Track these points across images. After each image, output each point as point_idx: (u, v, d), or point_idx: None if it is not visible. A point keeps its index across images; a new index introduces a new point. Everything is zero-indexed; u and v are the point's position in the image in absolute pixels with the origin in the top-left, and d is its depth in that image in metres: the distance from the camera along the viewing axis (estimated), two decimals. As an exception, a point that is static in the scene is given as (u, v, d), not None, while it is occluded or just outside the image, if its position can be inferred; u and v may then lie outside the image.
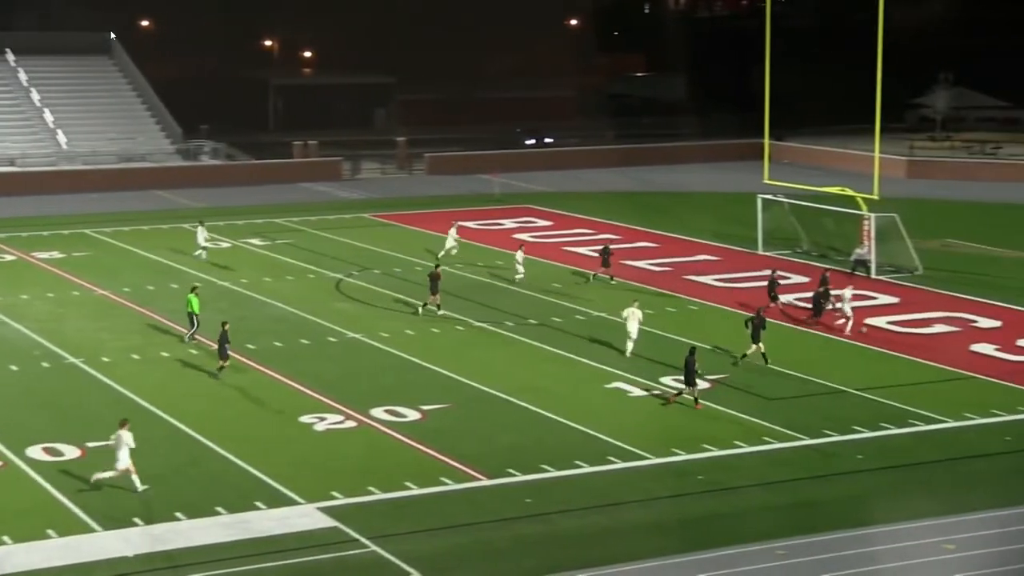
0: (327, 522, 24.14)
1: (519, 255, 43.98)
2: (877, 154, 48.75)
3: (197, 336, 36.09)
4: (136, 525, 23.92)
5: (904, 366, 34.48)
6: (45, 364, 34.65)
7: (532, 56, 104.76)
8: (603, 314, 39.61)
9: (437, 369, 33.98)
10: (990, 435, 29.06)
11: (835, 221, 50.16)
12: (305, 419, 29.96)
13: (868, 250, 45.54)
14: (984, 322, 38.84)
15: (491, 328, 38.15)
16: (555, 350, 35.78)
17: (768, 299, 39.28)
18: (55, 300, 42.06)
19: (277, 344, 36.25)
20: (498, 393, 31.91)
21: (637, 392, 32.05)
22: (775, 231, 50.52)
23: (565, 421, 29.81)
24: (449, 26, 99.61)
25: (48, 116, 72.24)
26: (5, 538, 23.30)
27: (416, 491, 25.61)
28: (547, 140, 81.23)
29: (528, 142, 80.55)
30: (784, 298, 41.69)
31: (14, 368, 34.06)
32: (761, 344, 33.79)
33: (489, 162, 71.05)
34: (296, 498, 25.16)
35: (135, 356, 35.34)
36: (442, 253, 47.13)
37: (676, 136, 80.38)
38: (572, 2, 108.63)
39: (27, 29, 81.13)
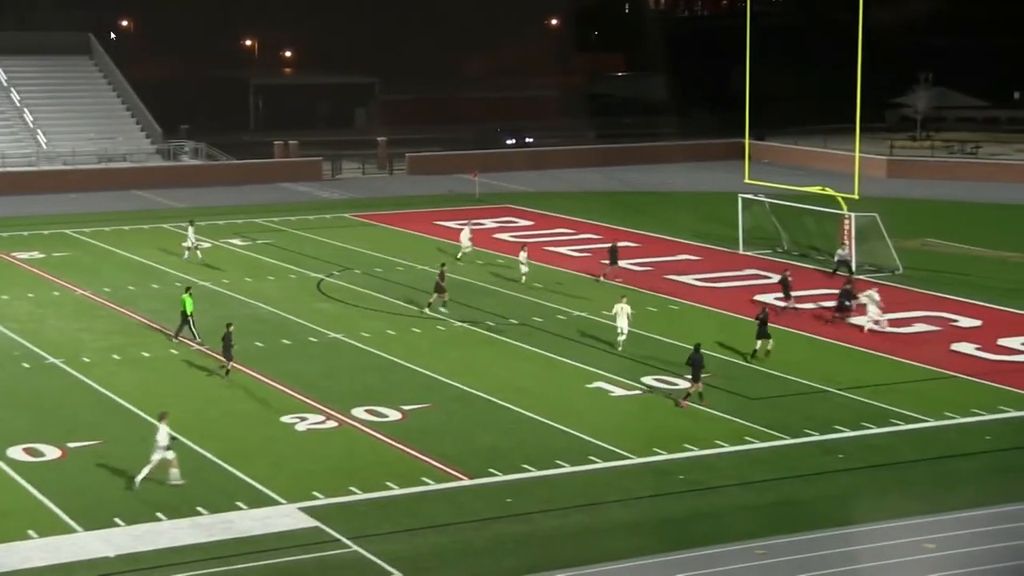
0: (308, 522, 24.09)
1: (523, 255, 43.85)
2: (857, 154, 48.94)
3: (182, 336, 36.06)
4: (117, 526, 23.83)
5: (885, 366, 34.62)
6: (25, 365, 34.48)
7: (512, 56, 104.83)
8: (584, 314, 39.65)
9: (418, 369, 33.95)
10: (971, 434, 29.20)
11: (816, 221, 50.35)
12: (286, 419, 29.90)
13: (850, 250, 45.70)
14: (964, 321, 39.03)
15: (472, 328, 38.15)
16: (536, 350, 35.80)
17: (784, 299, 39.53)
18: (35, 300, 41.86)
19: (258, 344, 36.17)
20: (479, 393, 31.91)
21: (619, 392, 32.09)
22: (756, 230, 50.66)
23: (546, 421, 29.83)
24: (430, 26, 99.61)
25: (28, 116, 71.91)
26: (-16, 540, 23.19)
27: (397, 491, 25.59)
28: (528, 140, 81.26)
29: (509, 142, 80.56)
30: (762, 296, 41.84)
31: (-7, 369, 33.91)
32: (769, 341, 34.17)
33: (470, 162, 71.03)
34: (277, 498, 25.10)
35: (116, 356, 35.21)
36: (460, 255, 47.11)
37: (657, 136, 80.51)
38: (552, 2, 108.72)
39: (7, 29, 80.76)
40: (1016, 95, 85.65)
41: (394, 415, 30.22)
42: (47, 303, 41.53)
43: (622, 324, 35.29)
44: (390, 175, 73.42)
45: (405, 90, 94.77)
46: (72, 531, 23.68)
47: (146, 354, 35.47)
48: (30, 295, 42.57)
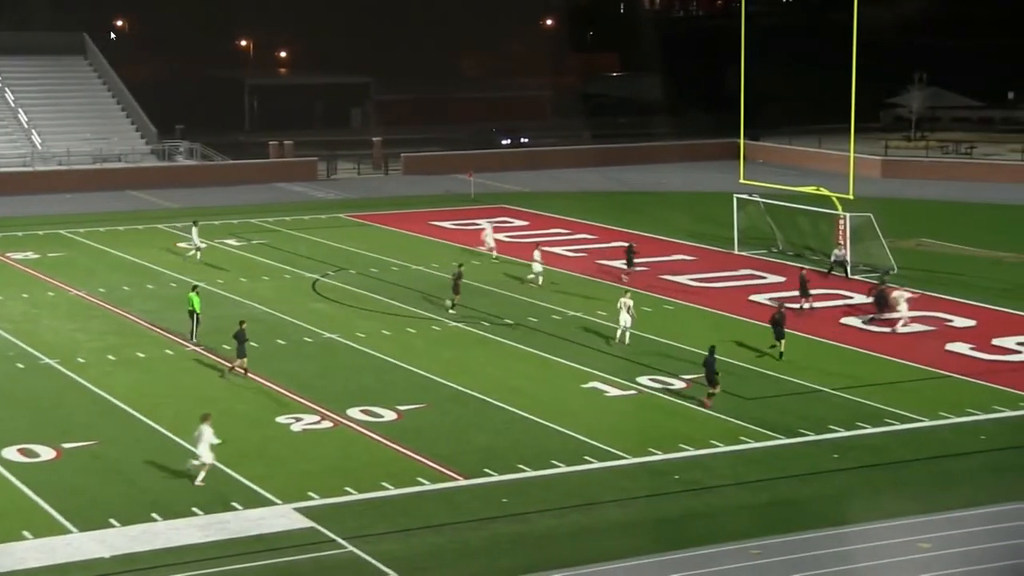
0: (304, 523, 24.09)
1: (536, 255, 43.80)
2: (852, 154, 49.00)
3: (195, 337, 36.05)
4: (112, 526, 23.82)
5: (880, 365, 34.66)
6: (20, 365, 34.45)
7: (508, 56, 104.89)
8: (579, 314, 39.68)
9: (413, 369, 33.96)
10: (965, 434, 29.25)
11: (810, 221, 50.41)
12: (281, 420, 29.90)
13: (845, 251, 45.74)
14: (959, 321, 39.08)
15: (467, 328, 38.16)
16: (531, 350, 35.82)
17: (801, 298, 39.80)
18: (30, 301, 41.81)
19: (253, 345, 36.11)
20: (474, 393, 31.92)
21: (614, 392, 32.11)
22: (751, 231, 50.71)
23: (542, 421, 29.84)
24: (425, 26, 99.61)
25: (22, 116, 71.82)
26: (-21, 540, 23.17)
27: (393, 491, 25.59)
28: (523, 140, 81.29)
29: (504, 142, 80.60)
30: (758, 296, 41.93)
31: (-12, 369, 33.87)
32: (783, 341, 34.41)
33: (465, 162, 71.04)
34: (273, 499, 25.10)
35: (110, 357, 35.19)
36: (494, 254, 47.21)
37: (652, 136, 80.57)
38: (547, 2, 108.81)
39: (1, 29, 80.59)
40: (1010, 95, 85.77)
41: (389, 415, 30.23)
42: (42, 303, 41.49)
43: (624, 319, 35.58)
44: (385, 175, 73.42)
45: (400, 90, 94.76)
46: (67, 532, 23.66)
47: (141, 354, 35.45)
48: (25, 295, 42.52)
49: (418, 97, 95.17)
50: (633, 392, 32.07)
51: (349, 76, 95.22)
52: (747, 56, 49.48)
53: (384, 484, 25.86)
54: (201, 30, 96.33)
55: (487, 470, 26.66)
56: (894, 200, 60.56)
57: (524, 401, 31.20)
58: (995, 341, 36.75)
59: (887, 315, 38.10)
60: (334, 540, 23.35)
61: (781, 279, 45.16)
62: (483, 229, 49.51)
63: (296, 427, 29.47)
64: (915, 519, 24.10)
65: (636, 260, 45.42)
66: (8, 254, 49.29)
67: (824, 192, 49.35)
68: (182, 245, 49.02)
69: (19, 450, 27.75)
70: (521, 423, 29.81)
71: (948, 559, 22.49)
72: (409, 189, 67.50)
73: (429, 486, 25.90)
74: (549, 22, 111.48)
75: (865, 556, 22.56)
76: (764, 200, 51.31)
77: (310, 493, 25.35)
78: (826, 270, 45.55)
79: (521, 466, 26.92)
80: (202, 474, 25.76)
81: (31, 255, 49.20)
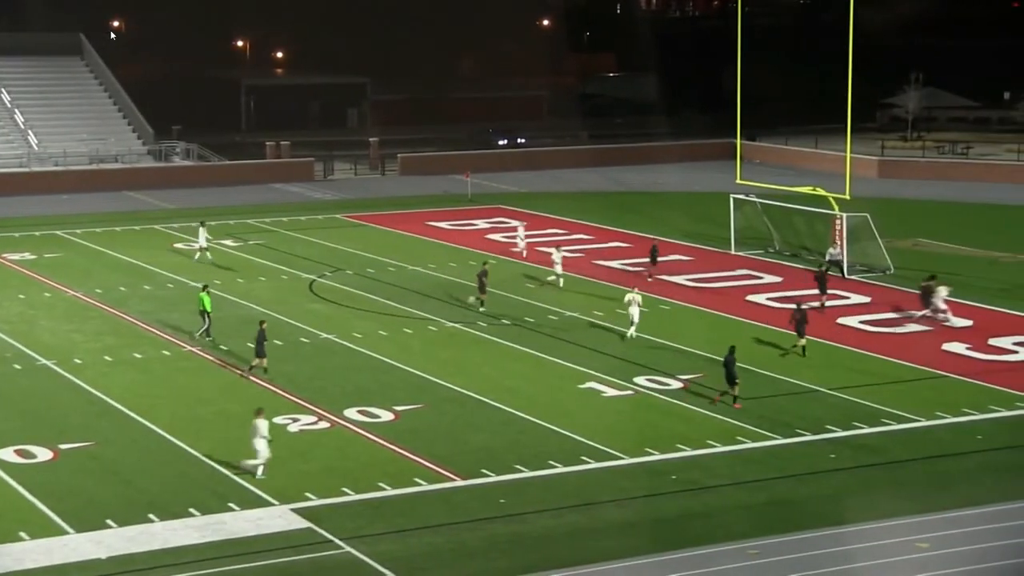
0: (301, 523, 24.08)
1: (556, 255, 43.82)
2: (848, 154, 49.03)
3: (201, 334, 36.12)
4: (109, 527, 23.80)
5: (876, 365, 34.68)
6: (17, 366, 34.41)
7: (504, 56, 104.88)
8: (576, 314, 39.68)
9: (410, 370, 33.95)
10: (962, 434, 29.27)
11: (807, 221, 50.45)
12: (278, 420, 29.86)
13: (841, 250, 45.76)
14: (955, 321, 39.08)
15: (464, 328, 38.16)
16: (528, 350, 35.82)
17: (821, 295, 40.11)
18: (26, 302, 41.77)
19: (250, 345, 36.08)
20: (471, 393, 31.91)
21: (611, 392, 32.12)
22: (747, 231, 50.72)
23: (539, 421, 29.84)
24: (421, 26, 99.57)
25: (19, 117, 71.75)
26: (-24, 542, 23.14)
27: (390, 492, 25.59)
28: (520, 140, 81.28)
29: (501, 142, 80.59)
30: (754, 297, 41.98)
31: (-16, 370, 33.83)
32: (804, 339, 34.65)
33: (462, 162, 71.03)
34: (270, 499, 25.09)
35: (107, 358, 35.16)
36: (525, 252, 47.45)
37: (648, 136, 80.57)
38: (544, 3, 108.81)
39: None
40: (1007, 95, 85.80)
41: (386, 416, 30.22)
42: (38, 304, 41.44)
43: (634, 314, 36.02)
44: (382, 176, 73.41)
45: (397, 90, 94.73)
46: (64, 533, 23.63)
47: (138, 355, 35.43)
48: (21, 296, 42.48)
49: (415, 97, 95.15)
50: (630, 392, 32.07)
51: (346, 76, 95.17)
52: (743, 56, 49.50)
53: (381, 484, 25.85)
54: (198, 30, 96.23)
55: (484, 470, 26.65)
56: (890, 200, 60.61)
57: (521, 401, 31.20)
58: (992, 341, 36.78)
59: (931, 312, 38.17)
60: (331, 540, 23.34)
61: (778, 279, 45.18)
62: (516, 229, 49.52)
63: (293, 428, 29.45)
64: (912, 519, 24.12)
65: (626, 262, 45.45)
66: (5, 255, 49.23)
67: (821, 192, 49.37)
68: (186, 246, 48.94)
69: (16, 451, 27.72)
70: (518, 423, 29.81)
71: (946, 559, 22.50)
72: (406, 189, 67.50)
73: (426, 486, 25.90)
74: (546, 22, 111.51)
75: (863, 556, 22.57)
76: (761, 200, 51.33)
77: (307, 494, 25.34)
78: (822, 269, 45.52)
79: (518, 466, 26.91)
80: (261, 467, 25.96)
81: (28, 256, 49.16)
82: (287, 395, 31.80)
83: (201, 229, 48.18)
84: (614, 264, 47.27)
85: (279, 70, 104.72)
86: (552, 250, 44.69)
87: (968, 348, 36.08)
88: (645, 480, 26.31)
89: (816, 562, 22.40)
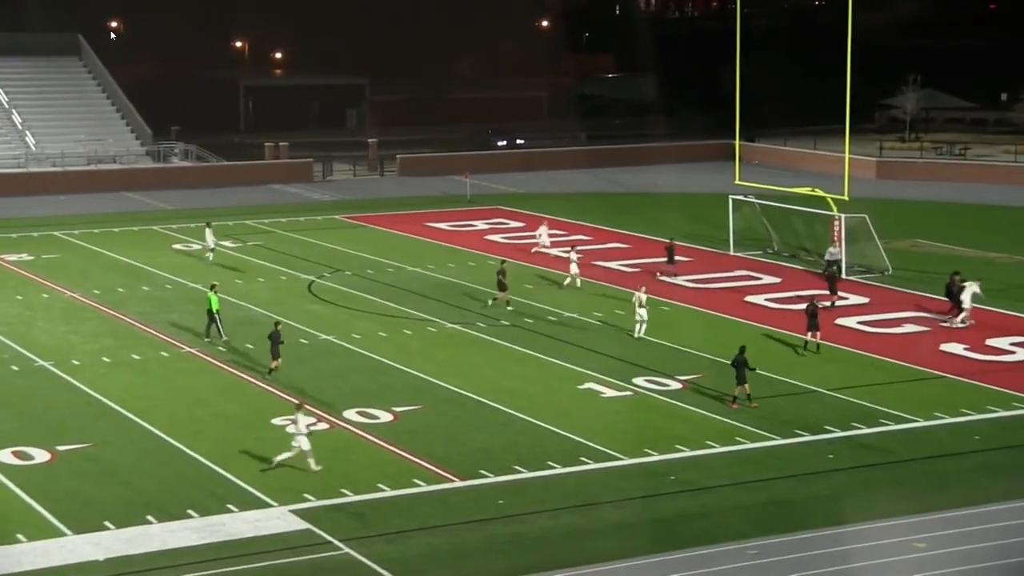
0: (299, 524, 24.07)
1: (573, 255, 43.87)
2: (847, 155, 49.05)
3: (214, 334, 36.15)
4: (107, 529, 23.78)
5: (874, 366, 34.69)
6: (14, 367, 34.38)
7: (503, 57, 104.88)
8: (575, 315, 39.68)
9: (409, 370, 33.95)
10: (960, 434, 29.28)
11: (805, 222, 50.46)
12: (278, 421, 29.86)
13: (840, 250, 45.77)
14: (952, 322, 39.08)
15: (463, 329, 38.15)
16: (527, 351, 35.81)
17: (830, 292, 40.49)
18: (24, 303, 41.74)
19: (249, 346, 36.12)
20: (470, 394, 31.91)
21: (610, 393, 32.12)
22: (746, 232, 50.73)
23: (537, 422, 29.84)
24: (420, 27, 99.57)
25: (16, 118, 71.72)
26: (-26, 543, 23.12)
27: (389, 493, 25.58)
28: (518, 141, 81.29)
29: (499, 143, 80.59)
30: (753, 298, 42.01)
31: (-18, 371, 33.81)
32: (817, 332, 35.09)
33: (461, 163, 71.03)
34: (268, 500, 25.07)
35: (105, 359, 35.14)
36: (544, 250, 47.48)
37: (647, 137, 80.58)
38: (542, 4, 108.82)
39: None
40: (1004, 97, 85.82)
41: (385, 417, 30.21)
42: (36, 305, 41.42)
43: (643, 313, 36.35)
44: (381, 176, 73.40)
45: (396, 91, 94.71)
46: (62, 535, 23.61)
47: (136, 356, 35.41)
48: (19, 297, 42.45)
49: (413, 98, 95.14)
50: (629, 393, 32.07)
51: (344, 77, 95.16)
52: (742, 57, 49.52)
53: (380, 486, 25.84)
54: (196, 31, 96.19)
55: (483, 471, 26.65)
56: (889, 201, 60.63)
57: (520, 402, 31.20)
58: (989, 341, 36.80)
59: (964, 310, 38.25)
60: (330, 542, 23.33)
61: (776, 280, 45.19)
62: (538, 227, 49.58)
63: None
64: (910, 519, 24.13)
65: (624, 263, 45.48)
66: (2, 256, 49.21)
67: (819, 193, 49.39)
68: (185, 247, 48.92)
69: (13, 452, 27.70)
70: (517, 424, 29.81)
71: (943, 559, 22.51)
72: (405, 190, 67.49)
73: (425, 487, 25.89)
74: (545, 23, 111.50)
75: (861, 556, 22.58)
76: (759, 201, 51.35)
77: (306, 495, 25.33)
78: (821, 271, 45.55)
79: (517, 467, 26.91)
80: (286, 456, 26.11)
81: (25, 257, 49.13)
82: (287, 396, 31.79)
83: (208, 230, 48.20)
84: (613, 265, 47.26)
85: (278, 71, 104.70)
86: (568, 250, 44.70)
87: (966, 348, 36.09)
88: (644, 481, 26.31)
89: (815, 562, 22.41)
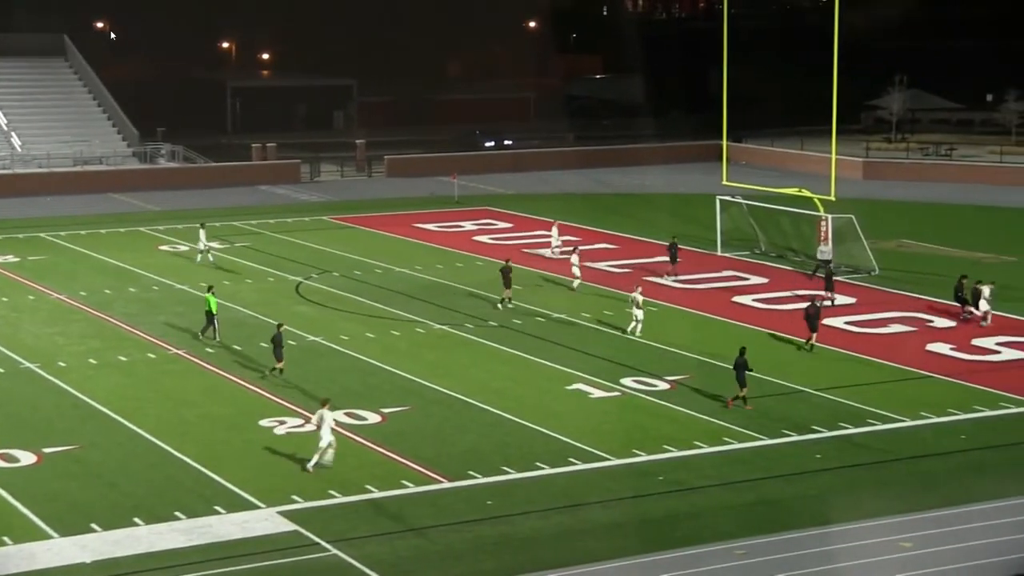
0: (288, 526, 24.04)
1: (574, 258, 43.85)
2: (834, 155, 49.17)
3: (209, 334, 36.14)
4: (94, 531, 23.72)
5: (861, 366, 34.79)
6: (0, 369, 34.26)
7: (491, 58, 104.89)
8: (563, 316, 39.71)
9: (397, 371, 33.93)
10: (946, 434, 29.38)
11: (792, 222, 50.57)
12: (265, 423, 29.83)
13: (829, 250, 45.84)
14: (939, 322, 39.26)
15: (451, 330, 38.15)
16: (516, 352, 35.82)
17: (825, 291, 40.67)
18: (10, 305, 41.60)
19: (236, 348, 36.07)
20: (459, 395, 31.91)
21: (598, 393, 32.15)
22: (734, 232, 50.82)
23: (526, 423, 29.85)
24: (408, 28, 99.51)
25: (2, 119, 71.46)
26: (-40, 546, 23.05)
27: (377, 494, 25.56)
28: (506, 142, 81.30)
29: (487, 144, 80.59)
30: (741, 298, 42.09)
31: (-31, 373, 33.70)
32: (815, 335, 35.45)
33: (448, 164, 71.01)
34: (256, 502, 25.04)
35: (92, 361, 35.05)
36: (558, 250, 47.45)
37: (634, 138, 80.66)
38: (530, 4, 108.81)
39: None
40: (989, 98, 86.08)
41: (373, 418, 30.19)
42: (22, 307, 41.28)
43: (638, 313, 36.73)
44: (369, 177, 73.34)
45: (383, 92, 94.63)
46: (48, 537, 23.54)
47: (123, 358, 35.32)
48: (4, 299, 42.30)
49: (401, 99, 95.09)
50: (617, 393, 32.10)
51: (332, 78, 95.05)
52: (729, 58, 49.61)
53: (368, 487, 25.83)
54: (183, 32, 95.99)
55: (471, 472, 26.65)
56: (875, 201, 60.80)
57: (508, 403, 31.21)
58: (975, 341, 36.93)
59: (981, 312, 38.31)
60: (318, 543, 23.31)
61: (764, 280, 45.29)
62: (551, 230, 49.64)
63: (280, 430, 29.40)
64: (897, 518, 24.21)
65: (612, 263, 45.51)
66: (-11, 257, 49.04)
67: (806, 193, 49.50)
68: (171, 249, 48.82)
69: None
70: (505, 425, 29.82)
71: (929, 558, 22.59)
72: (393, 191, 67.45)
73: (413, 489, 25.88)
74: (532, 24, 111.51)
75: (848, 555, 22.64)
76: (747, 202, 51.44)
77: (294, 496, 25.30)
78: (811, 271, 45.68)
79: (505, 468, 26.92)
80: (330, 454, 26.30)
81: (11, 258, 48.96)
82: (274, 397, 31.75)
83: (201, 231, 48.14)
84: (601, 266, 47.29)
85: (265, 72, 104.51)
86: (570, 251, 44.73)
87: (952, 348, 36.22)
88: (632, 481, 26.34)
89: (802, 562, 22.46)
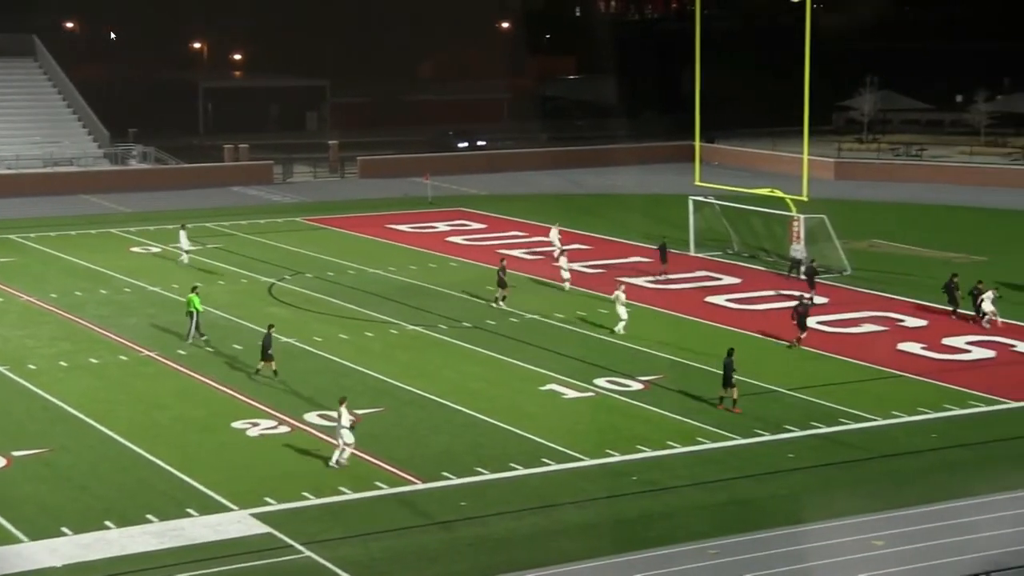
0: (260, 528, 23.95)
1: (563, 261, 43.82)
2: (806, 156, 49.38)
3: (194, 336, 35.99)
4: (64, 535, 23.56)
5: (834, 365, 34.96)
6: (-30, 372, 34.01)
7: (464, 59, 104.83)
8: (537, 316, 39.73)
9: (371, 373, 33.86)
10: (917, 432, 29.56)
11: (765, 222, 50.77)
12: (238, 425, 29.71)
13: (802, 248, 46.03)
14: (911, 321, 39.50)
15: (424, 331, 38.10)
16: (489, 353, 35.81)
17: (808, 288, 40.88)
18: (-20, 307, 41.28)
19: (208, 350, 35.91)
20: (432, 396, 31.87)
21: (571, 394, 32.17)
22: (706, 232, 50.97)
23: (499, 423, 29.84)
24: (381, 29, 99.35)
25: (-29, 120, 70.93)
26: (-71, 550, 22.84)
27: (350, 495, 25.50)
28: (480, 143, 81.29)
29: (461, 145, 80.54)
30: (713, 298, 42.24)
31: (-63, 376, 33.41)
32: (804, 333, 35.80)
33: (422, 165, 70.93)
34: (229, 504, 24.93)
35: (63, 363, 34.81)
36: (557, 252, 47.24)
37: (608, 138, 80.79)
38: (503, 5, 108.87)
39: (-52, 31, 79.54)
40: (959, 98, 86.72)
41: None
42: (-7, 309, 40.97)
43: (621, 311, 36.88)
44: (342, 178, 73.17)
45: (356, 93, 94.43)
46: (17, 541, 23.36)
47: (94, 360, 35.10)
48: (-25, 301, 41.98)
49: (374, 100, 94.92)
50: (591, 394, 32.14)
51: (305, 79, 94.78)
52: (702, 59, 49.75)
53: (341, 488, 25.76)
54: (154, 32, 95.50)
55: (445, 473, 26.63)
56: (847, 202, 61.12)
57: (482, 404, 31.19)
58: (945, 341, 37.17)
59: (989, 316, 38.44)
60: (291, 545, 23.23)
61: (737, 280, 45.44)
62: (550, 229, 49.64)
63: (252, 432, 29.29)
64: (869, 517, 24.33)
65: (586, 264, 45.56)
66: (-42, 259, 48.63)
67: (779, 194, 49.70)
68: (143, 250, 48.55)
69: (-30, 458, 27.38)
70: (479, 426, 29.80)
71: (901, 556, 22.72)
72: (366, 192, 67.31)
73: (387, 490, 25.83)
74: (506, 25, 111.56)
75: (820, 554, 22.75)
76: (719, 202, 51.60)
77: (267, 498, 25.21)
78: (787, 272, 45.87)
79: (479, 469, 26.90)
80: (348, 452, 26.52)
81: (-19, 260, 48.58)
82: (246, 399, 31.62)
83: (182, 232, 47.90)
84: (575, 266, 47.23)
85: (237, 72, 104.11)
86: (558, 252, 44.67)
87: (923, 348, 36.44)
88: (606, 481, 26.38)
89: (774, 561, 22.55)
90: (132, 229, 55.18)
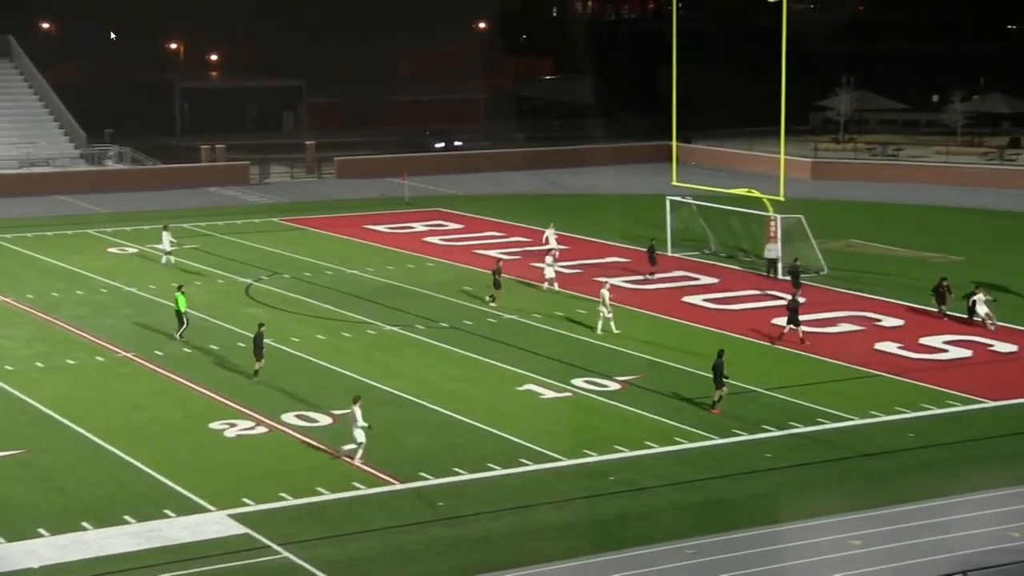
0: (238, 529, 23.90)
1: (548, 260, 43.86)
2: (783, 156, 49.56)
3: (184, 335, 35.87)
4: (41, 536, 23.45)
5: (810, 365, 35.10)
6: (-56, 374, 33.80)
7: (441, 59, 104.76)
8: (515, 317, 39.75)
9: (348, 373, 33.81)
10: (894, 432, 29.71)
11: (742, 222, 50.93)
12: (215, 425, 29.63)
13: (778, 248, 46.19)
14: (887, 321, 39.69)
15: (402, 331, 38.07)
16: (467, 353, 35.82)
17: (793, 288, 40.90)
18: (-46, 308, 41.03)
19: (186, 350, 35.80)
20: (410, 397, 31.85)
21: (549, 394, 32.21)
22: (684, 232, 51.10)
23: (477, 424, 29.86)
24: (357, 29, 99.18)
25: (-55, 120, 70.48)
26: (-96, 553, 22.69)
27: (328, 496, 25.47)
28: (456, 143, 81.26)
29: (437, 145, 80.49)
30: (691, 298, 42.36)
31: (-88, 378, 33.18)
32: (800, 328, 36.14)
33: (398, 165, 70.86)
34: (206, 505, 24.87)
35: (39, 364, 34.63)
36: (557, 252, 47.25)
37: (584, 138, 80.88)
38: (480, 6, 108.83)
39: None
40: (935, 99, 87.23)
41: (324, 420, 30.07)
42: (-33, 310, 40.72)
43: (603, 310, 37.15)
44: (319, 179, 73.03)
45: (333, 93, 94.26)
46: (-5, 542, 23.25)
47: (71, 361, 34.93)
48: (-50, 302, 41.72)
49: (351, 100, 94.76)
50: (568, 394, 32.18)
51: (281, 79, 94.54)
52: (678, 59, 49.87)
53: (319, 489, 25.73)
54: (130, 33, 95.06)
55: (423, 473, 26.62)
56: (824, 201, 61.38)
57: (459, 404, 31.19)
58: (922, 340, 37.37)
59: (986, 319, 38.58)
60: (269, 546, 23.18)
61: (714, 280, 45.57)
62: (545, 232, 49.62)
63: (230, 433, 29.21)
64: (846, 516, 24.45)
65: (563, 264, 45.63)
66: (-68, 260, 48.31)
67: (756, 194, 49.87)
68: (120, 251, 48.33)
69: (-55, 460, 27.22)
70: (456, 426, 29.80)
71: (879, 555, 22.83)
72: (343, 193, 67.20)
73: (365, 490, 25.81)
74: (483, 25, 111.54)
75: (797, 554, 22.84)
76: (697, 202, 51.74)
77: (244, 499, 25.15)
78: (765, 273, 46.02)
79: (457, 469, 26.91)
80: (360, 453, 26.63)
81: (-44, 261, 48.27)
82: (224, 400, 31.53)
83: (165, 232, 47.71)
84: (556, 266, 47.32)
85: (214, 73, 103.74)
86: (556, 252, 44.93)
87: (900, 347, 36.63)
88: (583, 481, 26.42)
89: (751, 561, 22.63)
90: (109, 230, 54.93)
